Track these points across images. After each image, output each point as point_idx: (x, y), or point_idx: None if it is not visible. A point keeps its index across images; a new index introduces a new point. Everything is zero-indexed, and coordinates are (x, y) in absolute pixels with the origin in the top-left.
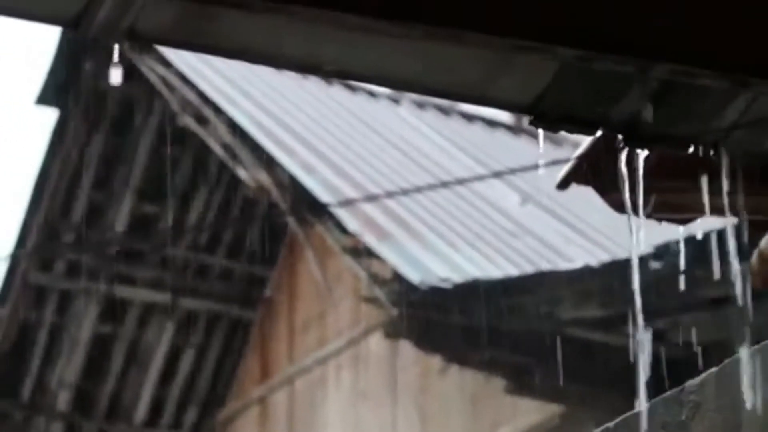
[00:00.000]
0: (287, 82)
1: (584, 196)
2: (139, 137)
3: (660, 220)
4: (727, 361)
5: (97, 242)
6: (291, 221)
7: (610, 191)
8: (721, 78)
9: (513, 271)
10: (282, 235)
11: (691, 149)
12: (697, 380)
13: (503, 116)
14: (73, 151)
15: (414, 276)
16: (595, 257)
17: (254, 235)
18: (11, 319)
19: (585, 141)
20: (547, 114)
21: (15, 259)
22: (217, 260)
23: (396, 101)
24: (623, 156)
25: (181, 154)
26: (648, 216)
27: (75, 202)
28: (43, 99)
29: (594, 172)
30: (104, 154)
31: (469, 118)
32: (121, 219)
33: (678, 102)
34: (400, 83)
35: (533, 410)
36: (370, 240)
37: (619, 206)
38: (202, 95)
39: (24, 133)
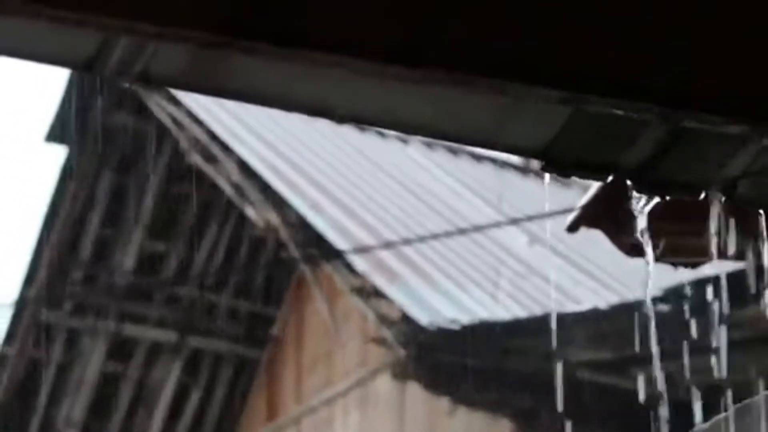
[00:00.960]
0: (296, 122)
1: (592, 238)
2: (148, 175)
3: (670, 263)
4: (737, 405)
5: (105, 280)
6: (299, 261)
7: (619, 235)
8: (732, 124)
9: (521, 313)
10: (290, 275)
11: (702, 196)
12: (706, 425)
13: (512, 157)
14: (81, 188)
15: (422, 317)
16: (604, 299)
17: (262, 274)
18: (19, 358)
19: (594, 184)
20: (558, 159)
21: (23, 298)
22: (225, 299)
23: (405, 141)
24: (633, 201)
25: (190, 193)
26: (657, 259)
27: (83, 240)
28: (53, 136)
29: (604, 215)
30: (113, 191)
31: (478, 158)
32: (129, 257)
33: (689, 148)
34: (410, 128)
35: None
36: (378, 281)
37: (628, 249)
38: (211, 134)
39: (33, 170)
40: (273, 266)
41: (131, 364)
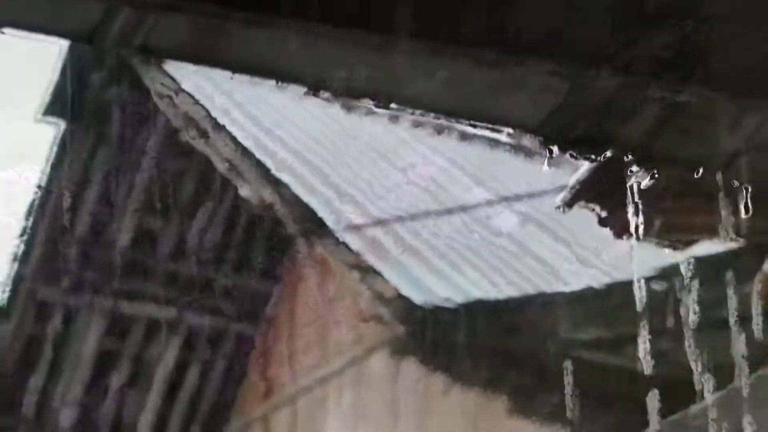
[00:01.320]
0: (286, 100)
1: (585, 218)
2: (144, 151)
3: (665, 242)
4: (731, 385)
5: (101, 257)
6: (294, 238)
7: (615, 212)
8: (730, 100)
9: (514, 293)
10: (285, 253)
11: (700, 172)
12: (701, 404)
13: (502, 136)
14: (77, 164)
15: (416, 296)
16: (596, 279)
17: (259, 251)
18: (16, 335)
19: (588, 162)
20: (557, 134)
21: (19, 274)
22: (222, 276)
23: (395, 120)
24: (631, 178)
25: (186, 169)
26: (653, 237)
27: (79, 216)
28: (50, 111)
29: (601, 192)
30: (109, 167)
31: (468, 137)
32: (125, 233)
33: (687, 123)
34: (408, 103)
35: None
36: (371, 259)
37: (622, 227)
38: (203, 111)
39: (29, 145)
40: (269, 244)
41: (129, 341)
